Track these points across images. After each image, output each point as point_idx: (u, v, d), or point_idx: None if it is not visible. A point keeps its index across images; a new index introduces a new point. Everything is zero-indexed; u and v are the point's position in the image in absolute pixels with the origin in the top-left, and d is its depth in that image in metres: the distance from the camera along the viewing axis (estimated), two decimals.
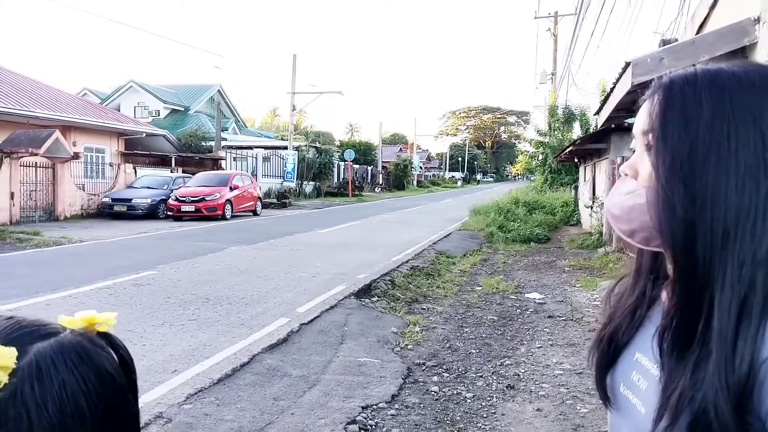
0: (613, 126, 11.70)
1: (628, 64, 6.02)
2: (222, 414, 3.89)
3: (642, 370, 0.76)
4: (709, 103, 0.66)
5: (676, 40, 8.49)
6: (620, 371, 0.80)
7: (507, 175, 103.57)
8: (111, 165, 21.26)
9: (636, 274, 0.82)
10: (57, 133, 16.56)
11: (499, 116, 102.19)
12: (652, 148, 0.70)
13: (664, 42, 8.06)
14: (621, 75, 6.69)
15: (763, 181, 0.63)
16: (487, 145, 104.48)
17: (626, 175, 0.78)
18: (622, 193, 0.77)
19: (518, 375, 4.83)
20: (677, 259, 0.67)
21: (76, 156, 18.10)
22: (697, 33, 7.59)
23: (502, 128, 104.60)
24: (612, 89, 7.82)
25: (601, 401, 0.86)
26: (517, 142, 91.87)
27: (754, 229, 0.62)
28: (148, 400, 4.09)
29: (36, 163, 16.88)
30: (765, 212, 0.63)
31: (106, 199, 18.81)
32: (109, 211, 18.43)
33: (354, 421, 3.83)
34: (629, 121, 11.58)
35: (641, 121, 0.74)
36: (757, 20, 5.29)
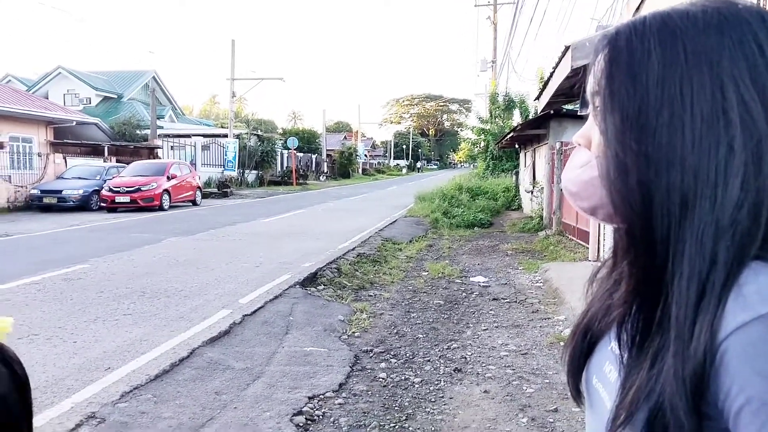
0: (551, 112, 11.94)
1: (567, 48, 6.10)
2: (160, 411, 3.70)
3: (614, 361, 0.67)
4: (658, 52, 0.58)
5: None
6: (595, 363, 0.72)
7: (450, 163, 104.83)
8: (39, 155, 20.12)
9: (614, 256, 0.72)
10: None
11: (442, 104, 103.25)
12: (599, 110, 0.63)
13: (601, 28, 8.23)
14: (560, 59, 6.78)
15: (723, 136, 0.55)
16: (430, 132, 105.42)
17: (579, 145, 0.69)
18: (576, 166, 0.69)
19: (465, 358, 4.84)
20: (633, 233, 0.60)
21: (0, 146, 17.03)
22: None
23: (445, 116, 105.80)
24: (551, 74, 7.92)
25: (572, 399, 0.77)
26: (459, 129, 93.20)
27: (715, 194, 0.55)
28: (79, 399, 3.86)
29: None
30: (727, 174, 0.55)
31: (35, 191, 17.81)
32: (38, 204, 17.48)
33: (300, 412, 3.72)
34: (568, 107, 11.85)
35: (590, 82, 0.66)
36: None
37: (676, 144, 0.56)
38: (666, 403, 0.53)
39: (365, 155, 63.81)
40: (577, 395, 0.76)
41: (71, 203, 17.33)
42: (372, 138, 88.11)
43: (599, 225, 7.64)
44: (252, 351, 4.88)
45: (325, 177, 45.12)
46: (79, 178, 18.53)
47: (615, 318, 0.67)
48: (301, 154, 41.71)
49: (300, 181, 35.56)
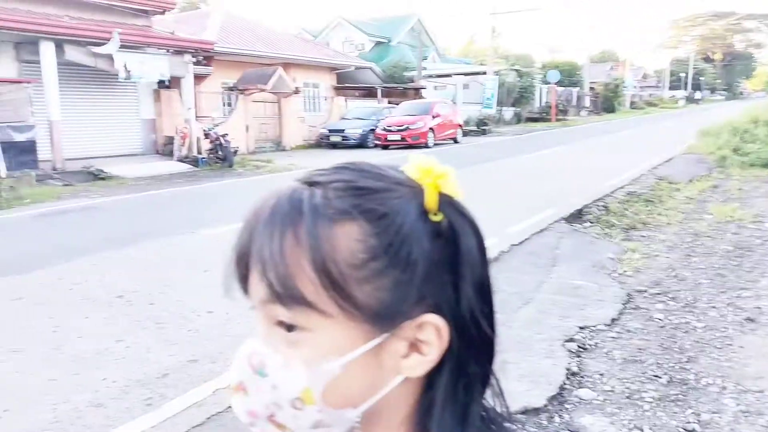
0: None
1: None
2: None
3: None
4: None
5: None
6: None
7: (741, 92, 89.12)
8: (325, 98, 22.91)
9: None
10: (280, 70, 18.26)
11: (733, 22, 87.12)
12: None
13: None
14: None
15: None
16: (716, 57, 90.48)
17: None
18: None
19: (759, 308, 4.33)
20: None
21: (296, 91, 19.84)
22: None
23: (737, 36, 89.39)
24: None
25: None
26: (756, 51, 78.20)
27: None
28: None
29: (264, 98, 18.89)
30: None
31: (323, 130, 20.45)
32: (325, 142, 20.06)
33: (572, 339, 3.81)
34: None
35: None
36: None
37: None
38: None
39: (634, 86, 58.06)
40: None
41: (352, 141, 19.51)
42: (642, 67, 79.21)
43: None
44: (520, 278, 5.08)
45: (586, 112, 42.49)
46: (358, 118, 20.66)
47: None
48: (560, 89, 39.79)
49: (559, 117, 34.16)
